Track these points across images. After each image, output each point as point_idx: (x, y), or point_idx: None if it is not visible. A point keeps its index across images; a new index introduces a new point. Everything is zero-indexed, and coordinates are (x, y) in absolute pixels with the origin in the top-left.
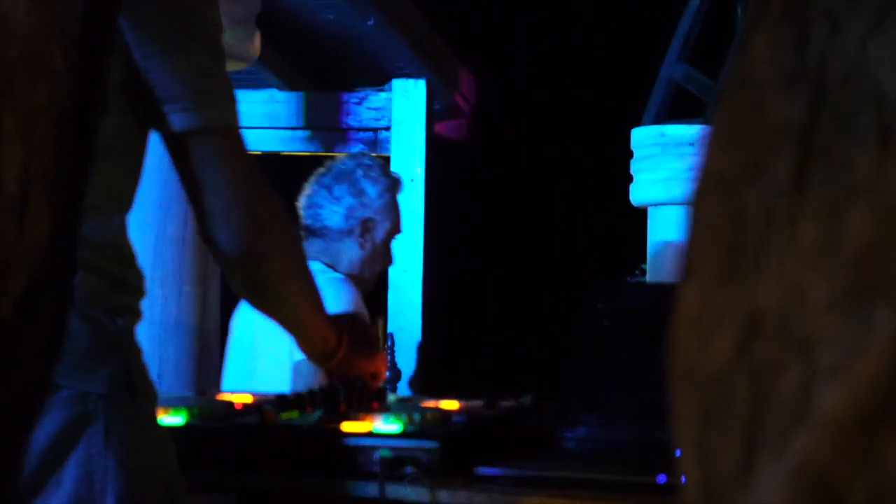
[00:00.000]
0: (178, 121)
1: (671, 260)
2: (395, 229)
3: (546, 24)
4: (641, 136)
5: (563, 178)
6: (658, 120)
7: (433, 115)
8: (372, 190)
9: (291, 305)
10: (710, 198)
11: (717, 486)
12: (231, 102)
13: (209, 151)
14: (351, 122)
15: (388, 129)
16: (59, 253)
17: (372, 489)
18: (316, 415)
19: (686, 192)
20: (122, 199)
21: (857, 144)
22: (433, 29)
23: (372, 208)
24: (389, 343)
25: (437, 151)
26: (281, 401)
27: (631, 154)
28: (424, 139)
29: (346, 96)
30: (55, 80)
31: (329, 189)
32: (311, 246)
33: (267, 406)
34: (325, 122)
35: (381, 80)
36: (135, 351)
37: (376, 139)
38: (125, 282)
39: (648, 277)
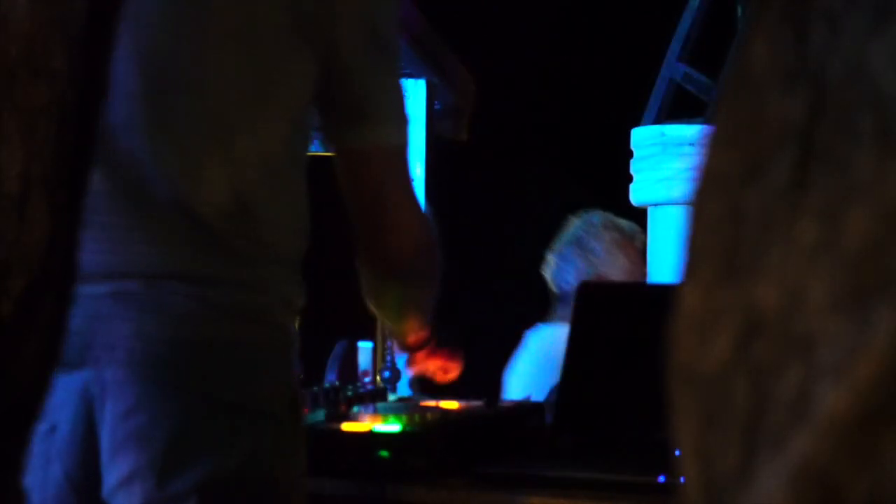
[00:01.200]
0: (364, 135)
1: (671, 260)
2: (629, 275)
3: (546, 23)
4: (641, 136)
5: (563, 178)
6: (658, 120)
7: (433, 115)
8: (596, 246)
9: (406, 319)
10: (710, 198)
11: (717, 486)
12: (407, 123)
13: (389, 168)
14: None
15: None
16: (59, 253)
17: (372, 489)
18: (316, 415)
19: (686, 192)
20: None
21: (857, 144)
22: (433, 29)
23: (599, 264)
24: (389, 343)
25: (437, 151)
26: None
27: (631, 154)
28: (424, 139)
29: None
30: (55, 80)
31: (561, 254)
32: (560, 311)
33: None
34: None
35: None
36: (294, 364)
37: None
38: (291, 301)
39: (648, 277)
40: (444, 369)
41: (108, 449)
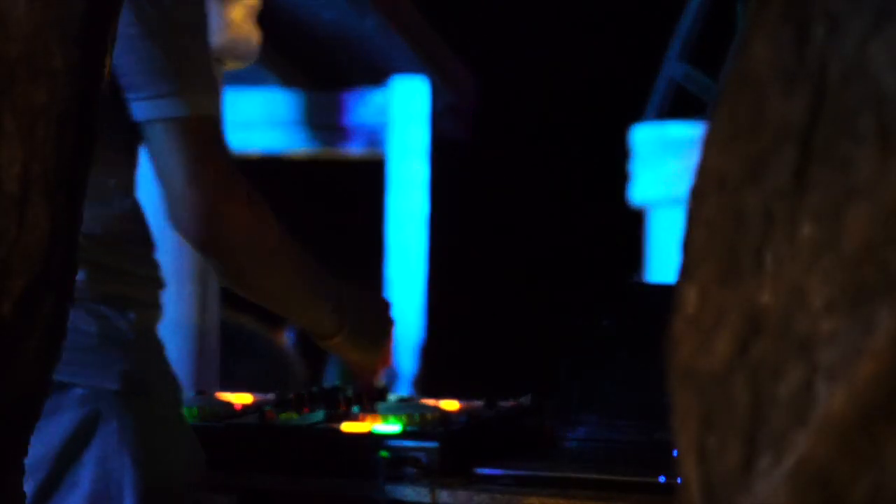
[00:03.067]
0: (152, 108)
1: (671, 260)
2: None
3: (546, 23)
4: (641, 136)
5: (563, 177)
6: (658, 119)
7: (434, 114)
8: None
9: (270, 296)
10: (710, 198)
11: (717, 486)
12: (210, 93)
13: (177, 139)
14: (351, 120)
15: (387, 128)
16: (59, 253)
17: (372, 489)
18: (316, 415)
19: (686, 191)
20: (120, 184)
21: (857, 144)
22: (433, 28)
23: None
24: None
25: (437, 150)
26: (281, 401)
27: (630, 153)
28: (426, 138)
29: (345, 95)
30: (55, 80)
31: None
32: None
33: (267, 406)
34: (324, 121)
35: (380, 79)
36: (150, 347)
37: (376, 138)
38: (132, 273)
39: (648, 278)
40: (366, 370)
41: None
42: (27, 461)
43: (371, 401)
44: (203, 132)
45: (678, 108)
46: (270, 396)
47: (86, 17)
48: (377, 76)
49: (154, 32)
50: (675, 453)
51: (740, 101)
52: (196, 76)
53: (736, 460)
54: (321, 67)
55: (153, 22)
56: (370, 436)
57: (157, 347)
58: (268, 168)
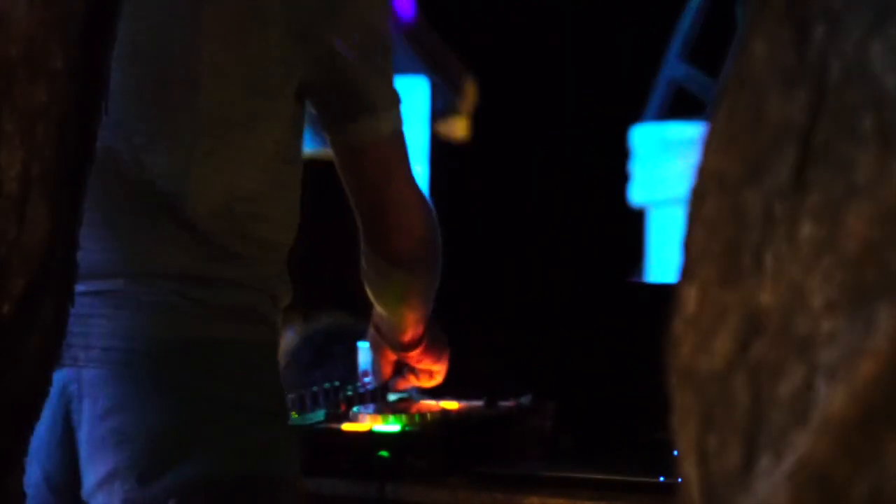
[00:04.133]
0: (361, 131)
1: (671, 260)
2: None
3: (546, 23)
4: (641, 136)
5: (563, 177)
6: (658, 119)
7: (434, 114)
8: None
9: (409, 309)
10: (709, 197)
11: (717, 486)
12: (400, 104)
13: (388, 158)
14: None
15: None
16: (58, 253)
17: (372, 489)
18: (316, 415)
19: (686, 191)
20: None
21: (857, 144)
22: (433, 28)
23: None
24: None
25: (438, 150)
26: None
27: (630, 153)
28: (426, 138)
29: None
30: (55, 80)
31: None
32: None
33: None
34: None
35: None
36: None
37: None
38: (280, 298)
39: (648, 277)
40: (430, 373)
41: (86, 449)
42: (180, 479)
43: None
44: (404, 144)
45: (678, 108)
46: None
47: (86, 17)
48: None
49: (370, 57)
50: (675, 453)
51: (740, 101)
52: (394, 93)
53: (736, 460)
54: None
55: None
56: (370, 436)
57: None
58: None
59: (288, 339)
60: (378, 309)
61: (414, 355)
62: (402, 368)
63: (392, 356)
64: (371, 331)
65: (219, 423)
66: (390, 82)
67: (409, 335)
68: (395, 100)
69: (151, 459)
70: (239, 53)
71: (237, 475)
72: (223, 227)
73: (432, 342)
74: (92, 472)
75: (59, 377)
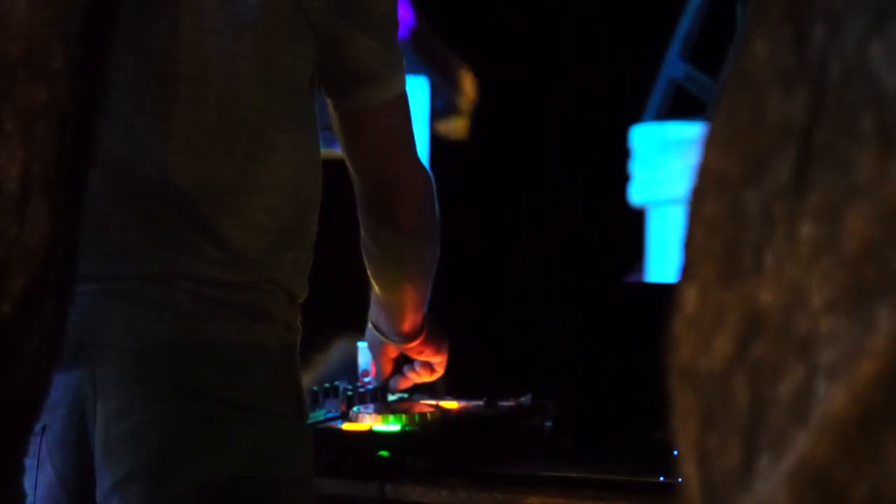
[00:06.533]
0: (365, 99)
1: (671, 260)
2: None
3: (546, 22)
4: (641, 136)
5: (563, 177)
6: (658, 119)
7: (434, 114)
8: None
9: (410, 291)
10: (709, 197)
11: (717, 486)
12: (402, 68)
13: (392, 124)
14: None
15: None
16: (59, 253)
17: (372, 489)
18: (316, 415)
19: (686, 191)
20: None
21: (857, 144)
22: (434, 29)
23: None
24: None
25: (437, 150)
26: None
27: (630, 153)
28: (426, 138)
29: None
30: (55, 79)
31: None
32: None
33: None
34: (325, 121)
35: None
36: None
37: None
38: (296, 297)
39: (648, 277)
40: (430, 368)
41: (101, 450)
42: (197, 480)
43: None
44: (406, 108)
45: (678, 108)
46: None
47: (86, 16)
48: None
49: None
50: (675, 453)
51: (740, 100)
52: (397, 59)
53: (736, 460)
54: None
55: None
56: (370, 435)
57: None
58: None
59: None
60: (376, 295)
61: (414, 346)
62: (401, 368)
63: (392, 353)
64: (369, 329)
65: (233, 424)
66: (393, 48)
67: (408, 322)
68: (398, 64)
69: (167, 461)
70: (243, 46)
71: (251, 476)
72: (234, 226)
73: (431, 333)
74: (107, 475)
75: (73, 376)
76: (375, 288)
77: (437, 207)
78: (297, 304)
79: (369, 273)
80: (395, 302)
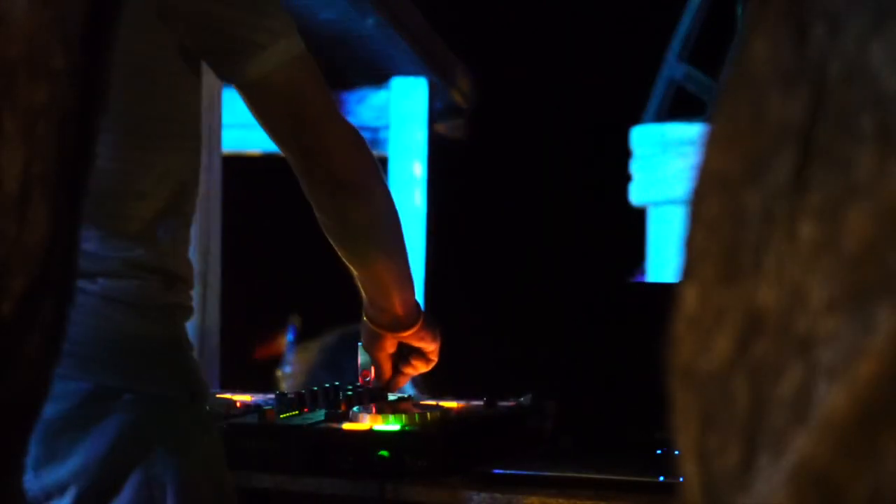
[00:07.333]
0: (250, 69)
1: (671, 260)
2: None
3: (546, 23)
4: (641, 136)
5: (563, 177)
6: (658, 119)
7: (434, 114)
8: None
9: (386, 262)
10: (709, 197)
11: (717, 486)
12: (288, 32)
13: (291, 85)
14: (350, 120)
15: (387, 128)
16: (59, 253)
17: (372, 489)
18: (316, 414)
19: (686, 191)
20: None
21: (857, 144)
22: (433, 29)
23: None
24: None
25: (437, 150)
26: (281, 400)
27: (631, 154)
28: (425, 138)
29: (345, 95)
30: (55, 80)
31: None
32: None
33: (267, 406)
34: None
35: (380, 79)
36: (190, 349)
37: (376, 138)
38: (179, 278)
39: (648, 277)
40: (426, 359)
41: None
42: (73, 467)
43: (383, 396)
44: (305, 66)
45: (678, 108)
46: (271, 396)
47: (86, 16)
48: (377, 76)
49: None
50: (675, 453)
51: (740, 100)
52: (277, 22)
53: (736, 460)
54: (321, 67)
55: None
56: (370, 436)
57: (193, 349)
58: (268, 167)
59: (326, 339)
60: (361, 287)
61: (414, 332)
62: (397, 366)
63: (390, 348)
64: (364, 325)
65: (103, 410)
66: (268, 14)
67: (398, 302)
68: (280, 30)
69: (46, 449)
70: (126, 45)
71: (131, 463)
72: (101, 215)
73: (427, 318)
74: None
75: None
76: (354, 272)
77: (372, 157)
78: (180, 285)
79: (343, 258)
80: (376, 278)
